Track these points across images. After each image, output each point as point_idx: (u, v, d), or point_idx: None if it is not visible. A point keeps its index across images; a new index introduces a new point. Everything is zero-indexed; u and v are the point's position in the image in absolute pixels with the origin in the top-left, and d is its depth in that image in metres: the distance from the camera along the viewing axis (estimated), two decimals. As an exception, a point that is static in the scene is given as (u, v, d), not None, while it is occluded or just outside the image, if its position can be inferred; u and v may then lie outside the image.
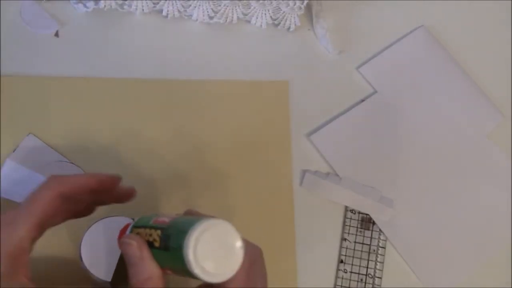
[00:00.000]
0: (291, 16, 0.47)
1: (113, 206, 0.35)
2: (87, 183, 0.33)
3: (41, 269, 0.32)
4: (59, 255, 0.39)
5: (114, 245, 0.32)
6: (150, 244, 0.29)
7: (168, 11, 0.46)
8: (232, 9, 0.46)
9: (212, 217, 0.28)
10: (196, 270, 0.26)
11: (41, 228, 0.31)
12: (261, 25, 0.48)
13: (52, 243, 0.38)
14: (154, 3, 0.46)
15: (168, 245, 0.28)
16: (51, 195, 0.30)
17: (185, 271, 0.26)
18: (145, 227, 0.30)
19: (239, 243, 0.27)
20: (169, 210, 0.43)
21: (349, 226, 0.45)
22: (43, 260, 0.32)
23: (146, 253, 0.29)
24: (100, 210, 0.36)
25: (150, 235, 0.29)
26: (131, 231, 0.31)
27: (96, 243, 0.32)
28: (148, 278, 0.28)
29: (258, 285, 0.31)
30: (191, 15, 0.47)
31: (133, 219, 0.34)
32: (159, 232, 0.29)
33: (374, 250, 0.44)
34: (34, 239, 0.30)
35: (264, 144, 0.45)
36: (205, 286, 0.31)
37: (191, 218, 0.28)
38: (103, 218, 0.33)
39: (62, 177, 0.32)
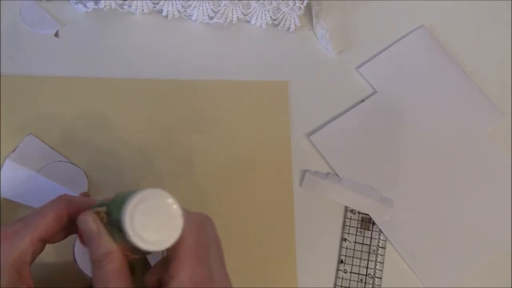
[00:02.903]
0: (291, 16, 0.47)
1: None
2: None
3: (37, 270, 0.32)
4: (55, 256, 0.39)
5: None
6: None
7: (168, 11, 0.46)
8: (232, 9, 0.46)
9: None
10: (135, 239, 0.26)
11: (43, 243, 0.31)
12: (261, 25, 0.48)
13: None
14: (154, 3, 0.46)
15: (112, 220, 0.28)
16: (57, 213, 0.31)
17: (130, 246, 0.26)
18: (93, 207, 0.31)
19: (177, 210, 0.27)
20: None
21: (349, 226, 0.45)
22: (39, 261, 0.32)
23: (102, 228, 0.29)
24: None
25: (99, 213, 0.29)
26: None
27: None
28: (108, 253, 0.28)
29: (211, 248, 0.31)
30: (191, 15, 0.47)
31: None
32: (104, 208, 0.29)
33: (374, 250, 0.44)
34: (34, 253, 0.31)
35: (264, 144, 0.45)
36: (161, 262, 0.31)
37: (129, 191, 0.27)
38: None
39: (71, 197, 0.33)
